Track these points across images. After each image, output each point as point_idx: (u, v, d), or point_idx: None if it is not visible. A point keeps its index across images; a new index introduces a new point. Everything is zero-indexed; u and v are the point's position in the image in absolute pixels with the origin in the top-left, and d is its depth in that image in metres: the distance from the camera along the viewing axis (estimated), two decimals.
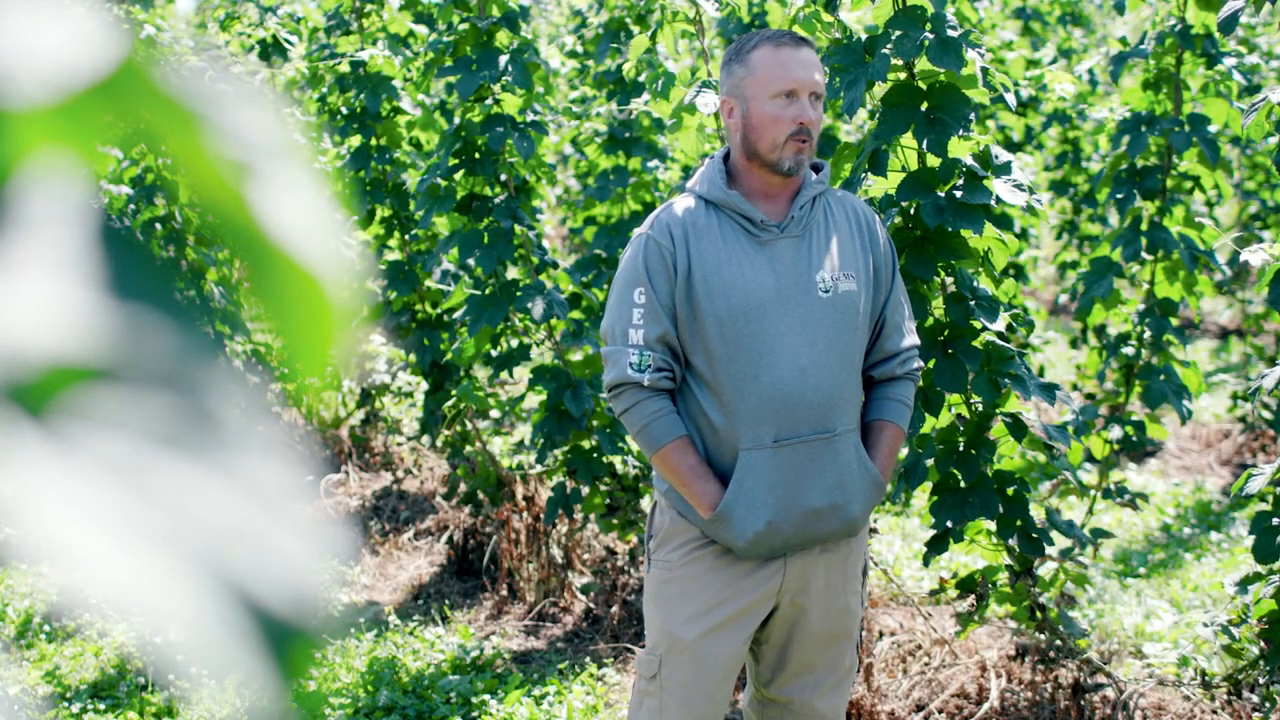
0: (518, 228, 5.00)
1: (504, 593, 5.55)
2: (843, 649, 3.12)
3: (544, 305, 4.90)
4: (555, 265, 5.25)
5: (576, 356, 5.65)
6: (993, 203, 3.39)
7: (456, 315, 5.26)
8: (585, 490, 5.21)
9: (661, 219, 2.91)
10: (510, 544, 5.56)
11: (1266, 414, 7.28)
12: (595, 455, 5.14)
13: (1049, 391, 3.57)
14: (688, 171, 7.41)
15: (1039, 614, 4.04)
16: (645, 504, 5.25)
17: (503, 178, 5.04)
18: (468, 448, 6.03)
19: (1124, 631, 5.16)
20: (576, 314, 6.12)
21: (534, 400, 7.64)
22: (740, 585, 2.93)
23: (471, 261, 5.20)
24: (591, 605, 5.38)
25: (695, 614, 2.94)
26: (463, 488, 6.18)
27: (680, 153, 6.88)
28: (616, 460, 5.27)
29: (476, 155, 4.95)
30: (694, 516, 2.90)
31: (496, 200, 5.02)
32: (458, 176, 4.98)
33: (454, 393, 5.64)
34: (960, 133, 3.38)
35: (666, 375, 2.86)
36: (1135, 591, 5.76)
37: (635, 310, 2.86)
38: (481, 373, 7.37)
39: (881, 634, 4.70)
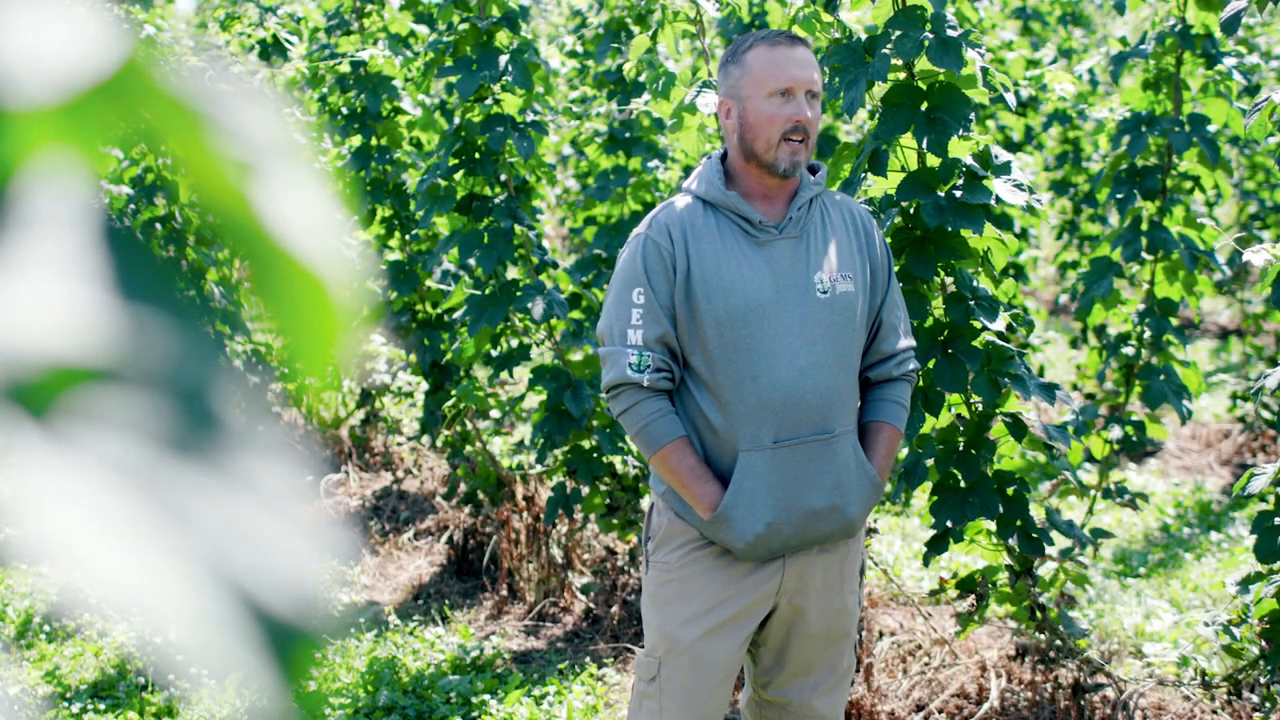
0: (518, 228, 5.00)
1: (504, 593, 5.56)
2: (841, 649, 3.11)
3: (544, 305, 4.90)
4: (555, 265, 5.25)
5: (576, 356, 5.65)
6: (993, 203, 3.39)
7: (456, 315, 5.26)
8: (585, 490, 5.21)
9: (660, 219, 2.91)
10: (510, 544, 5.56)
11: (1267, 414, 7.28)
12: (595, 455, 5.14)
13: (1049, 391, 3.57)
14: (688, 171, 7.41)
15: (1039, 614, 4.04)
16: (645, 504, 5.25)
17: (503, 178, 5.04)
18: (468, 448, 6.03)
19: (1124, 631, 5.16)
20: (576, 314, 6.12)
21: (534, 400, 7.64)
22: (739, 586, 2.93)
23: (471, 261, 5.20)
24: (591, 605, 5.38)
25: (694, 615, 2.93)
26: (463, 488, 6.18)
27: (681, 153, 6.89)
28: (616, 460, 5.27)
29: (476, 155, 4.95)
30: (692, 518, 2.90)
31: (496, 200, 5.02)
32: (458, 176, 4.98)
33: (454, 393, 5.64)
34: (960, 133, 3.38)
35: (665, 376, 2.86)
36: (1135, 591, 5.76)
37: (634, 310, 2.85)
38: (481, 373, 7.38)
39: (881, 634, 4.70)
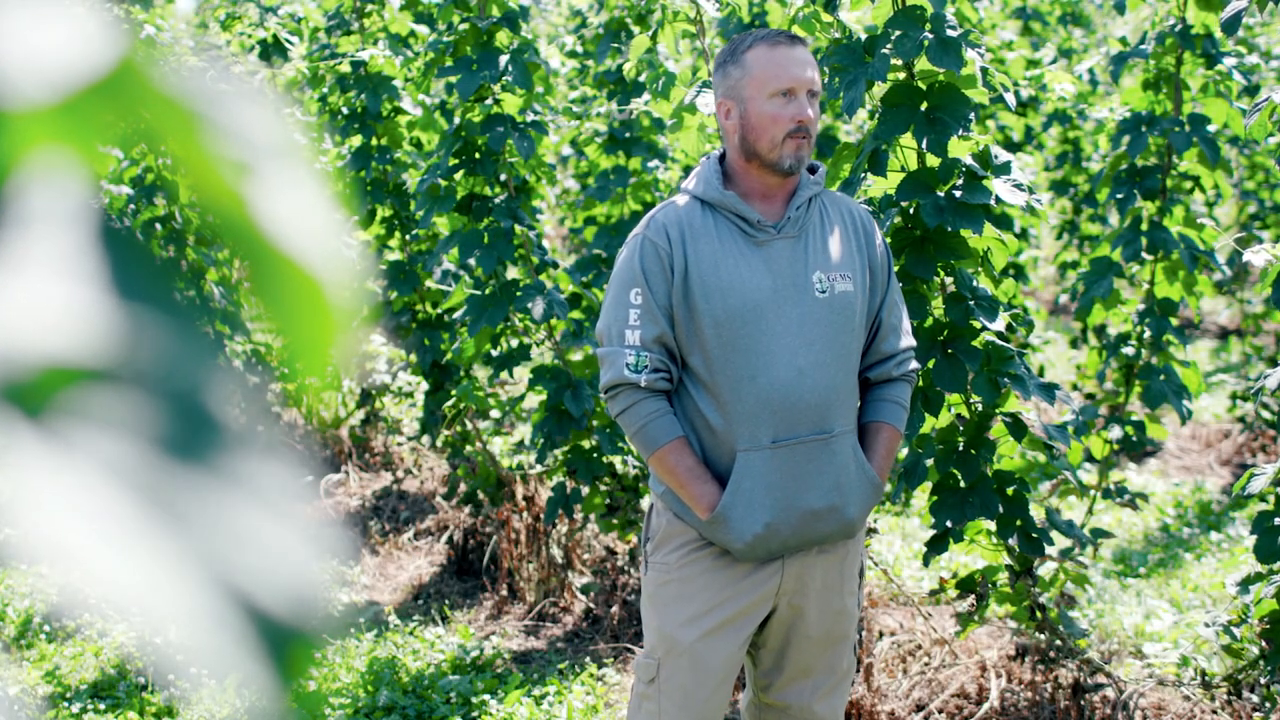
0: (518, 228, 5.00)
1: (504, 593, 5.55)
2: (840, 651, 3.11)
3: (544, 305, 4.90)
4: (555, 265, 5.25)
5: (576, 356, 5.65)
6: (992, 203, 3.38)
7: (456, 315, 5.26)
8: (585, 490, 5.21)
9: (657, 220, 2.90)
10: (510, 544, 5.56)
11: (1267, 414, 7.28)
12: (595, 455, 5.14)
13: (1049, 391, 3.57)
14: (688, 171, 7.40)
15: (1039, 614, 4.04)
16: (645, 504, 5.25)
17: (503, 178, 5.03)
18: (468, 448, 6.03)
19: (1124, 631, 5.16)
20: (576, 314, 6.12)
21: (534, 400, 7.64)
22: (738, 587, 2.92)
23: (472, 261, 5.20)
24: (591, 605, 5.38)
25: (693, 616, 2.93)
26: (463, 488, 6.18)
27: (681, 153, 6.88)
28: (616, 460, 5.26)
29: (476, 155, 4.95)
30: (692, 518, 2.90)
31: (496, 200, 5.02)
32: (458, 176, 4.98)
33: (454, 393, 5.64)
34: (960, 133, 3.38)
35: (663, 376, 2.85)
36: (1135, 591, 5.76)
37: (632, 311, 2.85)
38: (481, 373, 7.38)
39: (881, 634, 4.70)
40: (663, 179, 6.59)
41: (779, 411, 2.81)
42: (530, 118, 4.93)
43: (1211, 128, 4.66)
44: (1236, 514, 6.82)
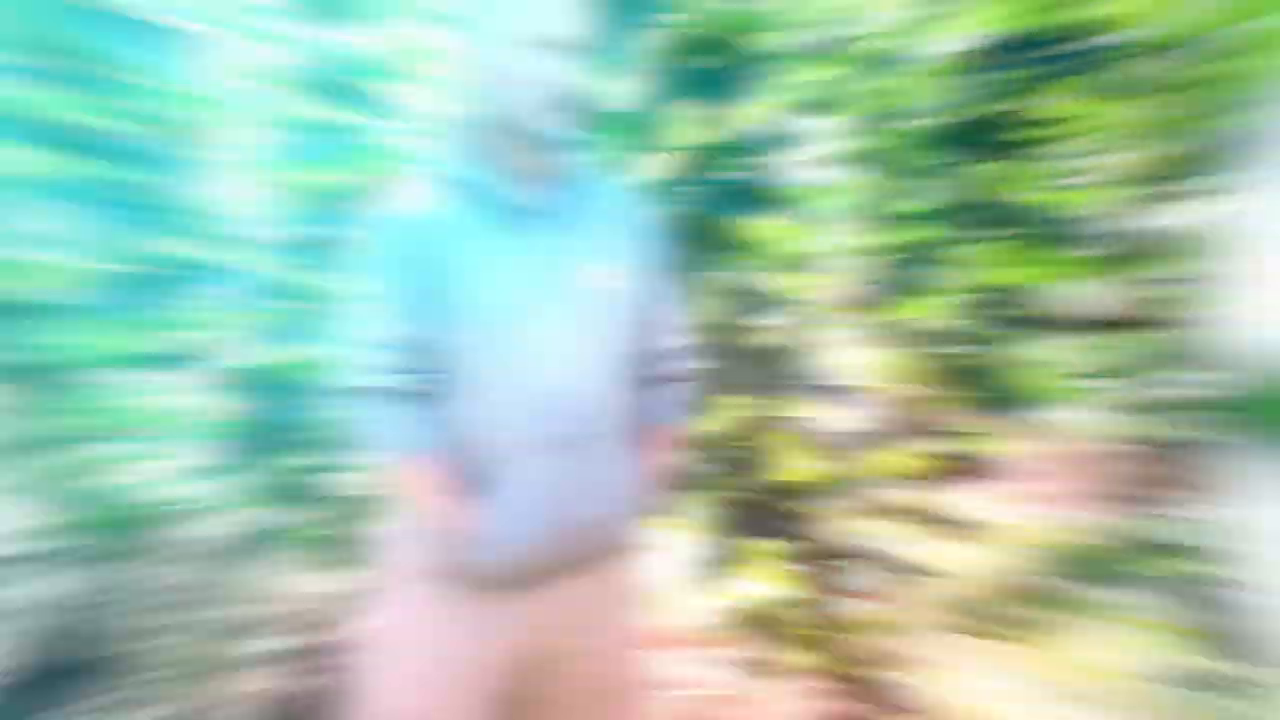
0: None
1: None
2: (617, 704, 3.41)
3: None
4: None
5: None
6: (782, 185, 3.69)
7: None
8: None
9: (405, 204, 3.17)
10: None
11: (1158, 431, 7.49)
12: None
13: (845, 395, 3.96)
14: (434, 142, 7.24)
15: (849, 671, 4.26)
16: (378, 529, 5.07)
17: None
18: None
19: (965, 704, 5.18)
20: None
21: None
22: (481, 623, 3.23)
23: None
24: None
25: (423, 669, 3.21)
26: None
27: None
28: None
29: None
30: (434, 537, 3.17)
31: None
32: None
33: None
34: (747, 98, 3.61)
35: (413, 377, 3.14)
36: (978, 652, 5.69)
37: (378, 306, 3.14)
38: None
39: (660, 684, 4.50)
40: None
41: (541, 415, 3.15)
42: None
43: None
44: (1123, 564, 6.92)
